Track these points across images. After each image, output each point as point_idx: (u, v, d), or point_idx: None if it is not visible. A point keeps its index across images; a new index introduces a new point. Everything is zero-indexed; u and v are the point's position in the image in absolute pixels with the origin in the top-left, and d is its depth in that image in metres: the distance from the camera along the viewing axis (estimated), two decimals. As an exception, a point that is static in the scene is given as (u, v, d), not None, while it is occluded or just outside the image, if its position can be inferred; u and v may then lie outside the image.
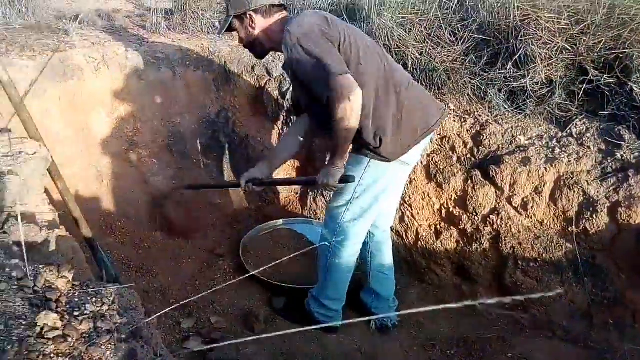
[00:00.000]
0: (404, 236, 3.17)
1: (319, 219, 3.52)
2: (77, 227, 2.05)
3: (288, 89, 3.40)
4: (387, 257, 2.71)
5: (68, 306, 1.13)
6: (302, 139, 2.58)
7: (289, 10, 2.34)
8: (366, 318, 2.69)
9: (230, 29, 2.30)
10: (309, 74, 1.98)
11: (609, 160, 2.62)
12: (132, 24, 3.94)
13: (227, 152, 3.62)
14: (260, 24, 2.20)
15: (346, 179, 2.21)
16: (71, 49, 3.10)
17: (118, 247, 2.89)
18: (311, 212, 3.59)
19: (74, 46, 3.15)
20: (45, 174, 1.85)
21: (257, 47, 2.31)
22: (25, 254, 1.33)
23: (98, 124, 3.09)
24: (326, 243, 2.46)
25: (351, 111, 1.94)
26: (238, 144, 3.63)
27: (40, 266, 1.22)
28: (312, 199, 3.58)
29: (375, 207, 2.36)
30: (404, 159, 2.23)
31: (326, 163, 2.27)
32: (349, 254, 2.48)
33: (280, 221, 3.42)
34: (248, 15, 2.19)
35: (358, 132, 2.09)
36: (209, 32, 3.95)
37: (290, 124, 2.66)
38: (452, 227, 3.01)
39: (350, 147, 2.23)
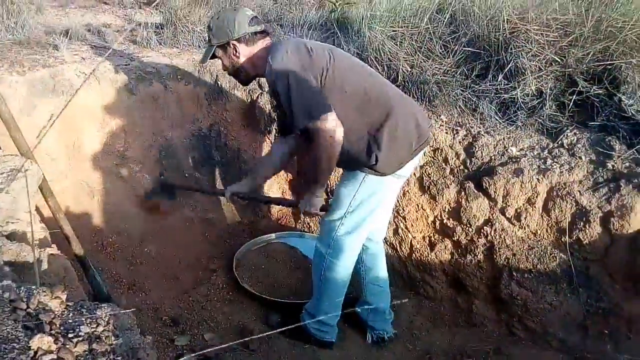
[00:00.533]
0: (398, 248, 3.17)
1: (312, 232, 3.50)
2: (69, 245, 2.02)
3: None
4: (381, 269, 2.70)
5: (62, 328, 1.10)
6: (283, 160, 2.65)
7: (272, 34, 2.35)
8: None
9: (214, 56, 2.30)
10: (292, 108, 1.98)
11: (601, 170, 2.63)
12: (122, 38, 3.93)
13: (219, 165, 3.60)
14: (244, 52, 2.21)
15: (326, 207, 2.33)
16: (61, 64, 3.08)
17: (109, 263, 2.86)
18: (304, 226, 3.58)
19: (64, 61, 3.13)
20: (37, 191, 1.82)
21: (242, 75, 2.33)
22: (17, 275, 1.31)
23: (89, 139, 3.06)
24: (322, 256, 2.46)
25: (332, 148, 1.98)
26: (230, 158, 3.61)
27: (33, 287, 1.20)
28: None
29: (370, 220, 2.36)
30: (399, 172, 2.23)
31: (307, 191, 2.30)
32: (344, 268, 2.46)
33: (273, 235, 3.40)
34: (231, 45, 2.19)
35: (352, 154, 2.12)
36: (199, 46, 3.95)
37: (274, 142, 2.71)
38: (446, 239, 3.01)
39: (344, 167, 2.29)
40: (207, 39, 2.31)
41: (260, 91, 3.50)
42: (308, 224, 3.55)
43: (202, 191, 3.37)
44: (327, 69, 2.04)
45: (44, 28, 3.75)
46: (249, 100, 3.53)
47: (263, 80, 3.47)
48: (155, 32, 3.97)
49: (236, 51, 2.19)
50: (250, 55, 2.21)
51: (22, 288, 1.18)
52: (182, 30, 4.03)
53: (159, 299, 2.74)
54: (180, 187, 3.31)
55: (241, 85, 3.44)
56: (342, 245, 2.39)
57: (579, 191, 2.62)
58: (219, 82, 3.51)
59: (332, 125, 1.94)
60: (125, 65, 3.31)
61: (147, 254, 3.03)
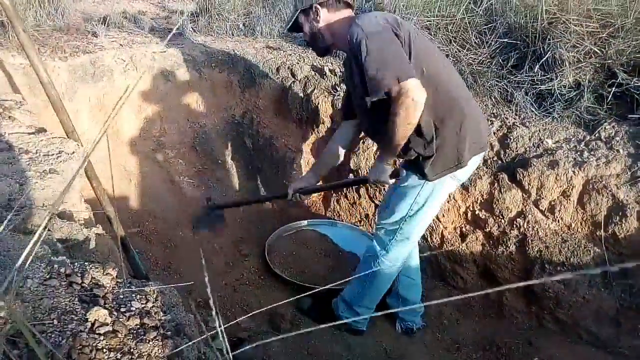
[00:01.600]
0: (429, 238, 3.17)
1: (342, 220, 3.53)
2: (111, 226, 2.09)
3: (312, 90, 3.41)
4: (414, 262, 2.70)
5: (115, 302, 1.15)
6: (346, 147, 2.61)
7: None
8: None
9: (298, 27, 2.26)
10: (380, 67, 1.90)
11: (639, 164, 2.59)
12: (157, 25, 3.99)
13: (251, 152, 3.65)
14: (325, 17, 2.16)
15: (397, 173, 2.24)
16: (100, 50, 3.15)
17: (146, 245, 2.93)
18: (334, 214, 3.60)
19: (103, 47, 3.21)
20: (82, 173, 1.88)
21: (319, 42, 2.25)
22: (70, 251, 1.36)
23: (126, 124, 3.14)
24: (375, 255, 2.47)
25: (414, 112, 1.91)
26: (262, 145, 3.66)
27: (86, 263, 1.25)
28: (335, 200, 3.59)
29: (426, 224, 2.39)
30: (456, 173, 2.20)
31: (377, 160, 2.28)
32: (394, 269, 2.49)
33: (305, 222, 3.43)
34: (314, 8, 2.14)
35: (414, 141, 2.09)
36: (233, 34, 3.99)
37: (337, 130, 2.64)
38: (477, 230, 3.00)
39: (402, 160, 2.26)
40: (294, 4, 2.27)
41: (293, 79, 3.52)
42: (338, 212, 3.57)
43: (257, 201, 3.36)
44: (411, 44, 1.99)
45: (83, 15, 3.85)
46: (281, 89, 3.56)
47: (296, 68, 3.51)
48: (190, 19, 4.03)
49: (317, 15, 2.14)
50: (331, 22, 2.17)
51: (76, 264, 1.24)
52: (216, 19, 4.07)
53: (192, 280, 2.81)
54: (232, 204, 3.29)
55: (273, 73, 3.48)
56: (398, 249, 2.41)
57: (616, 185, 2.57)
58: (252, 70, 3.54)
59: (419, 89, 1.88)
60: (162, 52, 3.36)
61: (182, 238, 3.10)
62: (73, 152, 1.80)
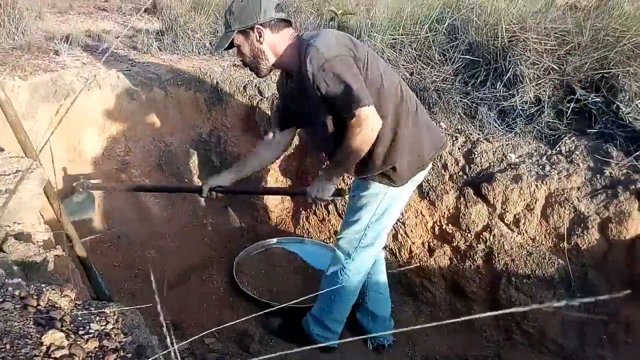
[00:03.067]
0: (398, 254, 3.18)
1: (312, 237, 3.51)
2: (71, 247, 2.02)
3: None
4: (382, 276, 2.70)
5: (72, 325, 1.11)
6: (275, 157, 2.63)
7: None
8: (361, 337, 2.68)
9: (231, 45, 2.11)
10: (336, 97, 1.91)
11: (598, 177, 2.66)
12: (122, 44, 3.94)
13: (218, 170, 3.61)
14: (269, 38, 2.04)
15: (339, 193, 2.26)
16: (62, 69, 3.09)
17: (109, 266, 2.85)
18: (303, 231, 3.59)
19: (65, 66, 3.15)
20: (41, 193, 1.82)
21: (262, 65, 2.13)
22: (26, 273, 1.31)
23: (89, 143, 3.07)
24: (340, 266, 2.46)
25: (368, 141, 1.96)
26: (229, 163, 3.61)
27: (43, 285, 1.21)
28: (304, 218, 3.57)
29: (388, 229, 2.42)
30: (415, 178, 2.27)
31: (321, 176, 2.29)
32: (360, 277, 2.48)
33: (273, 240, 3.40)
34: (256, 30, 2.01)
35: (372, 158, 2.12)
36: (199, 53, 3.97)
37: (266, 135, 2.52)
38: (445, 245, 3.02)
39: (357, 171, 2.28)
40: (225, 23, 2.11)
41: (260, 97, 3.52)
42: (307, 229, 3.56)
43: (176, 190, 3.18)
44: (368, 61, 2.02)
45: (45, 34, 3.77)
46: (249, 106, 3.55)
47: (263, 86, 3.50)
48: (155, 38, 3.99)
49: (261, 36, 2.02)
50: (274, 43, 2.06)
51: (32, 286, 1.19)
52: (182, 37, 4.05)
53: (157, 303, 2.74)
54: (150, 189, 3.15)
55: (240, 91, 3.48)
56: (362, 257, 2.40)
57: (577, 197, 2.64)
58: (219, 88, 3.53)
59: (377, 118, 1.92)
60: (126, 71, 3.32)
61: (147, 258, 3.03)
62: (31, 172, 1.74)
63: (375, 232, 2.34)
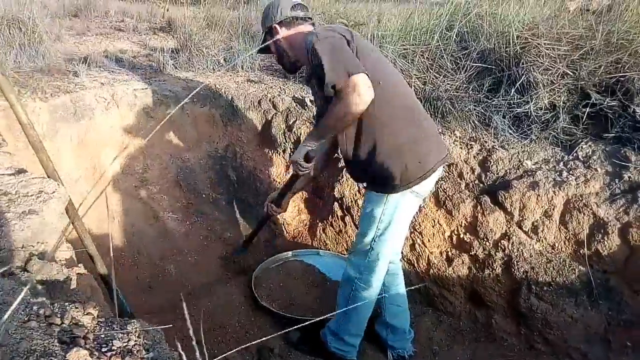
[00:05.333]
0: (415, 264, 3.17)
1: (328, 249, 3.52)
2: (93, 264, 2.06)
3: (294, 121, 3.45)
4: (400, 288, 2.68)
5: (96, 342, 1.14)
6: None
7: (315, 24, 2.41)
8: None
9: (268, 49, 2.41)
10: (331, 65, 1.94)
11: (617, 182, 2.63)
12: (139, 63, 4.02)
13: (235, 184, 3.65)
14: (284, 34, 2.29)
15: (308, 158, 2.26)
16: (82, 90, 3.16)
17: (129, 284, 2.89)
18: (320, 243, 3.60)
19: (84, 87, 3.22)
20: (63, 213, 1.87)
21: (284, 59, 2.39)
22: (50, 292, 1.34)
23: (108, 162, 3.13)
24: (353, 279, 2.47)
25: (355, 106, 1.94)
26: (246, 177, 3.66)
27: (66, 303, 1.24)
28: (321, 230, 3.58)
29: (397, 241, 2.41)
30: (417, 189, 2.23)
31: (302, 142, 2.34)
32: (373, 291, 2.46)
33: (290, 253, 3.41)
34: (274, 28, 2.29)
35: (372, 160, 2.15)
36: (214, 69, 4.03)
37: None
38: (463, 254, 3.01)
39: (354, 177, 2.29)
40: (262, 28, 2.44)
41: (275, 111, 3.55)
42: (324, 241, 3.56)
43: (261, 224, 3.16)
44: (364, 54, 2.07)
45: (64, 56, 3.86)
46: (264, 121, 3.59)
47: (277, 100, 3.54)
48: (170, 56, 4.07)
49: (278, 34, 2.28)
50: (288, 37, 2.30)
51: (56, 304, 1.22)
52: (196, 54, 4.12)
53: (177, 319, 2.76)
54: (252, 237, 3.23)
55: (255, 106, 3.52)
56: (373, 269, 2.40)
57: (596, 203, 2.61)
58: (234, 104, 3.57)
59: (367, 85, 1.91)
60: (143, 89, 3.38)
61: (167, 274, 3.07)
62: (53, 192, 1.79)
63: (382, 245, 2.34)
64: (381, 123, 2.10)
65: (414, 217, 2.92)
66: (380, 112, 2.08)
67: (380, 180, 2.21)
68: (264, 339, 1.43)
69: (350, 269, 2.48)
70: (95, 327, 1.21)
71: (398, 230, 2.34)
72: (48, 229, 1.68)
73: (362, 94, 1.90)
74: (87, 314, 1.23)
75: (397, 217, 2.27)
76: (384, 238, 2.32)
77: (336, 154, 2.71)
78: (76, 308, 1.22)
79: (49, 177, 1.92)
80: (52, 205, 1.71)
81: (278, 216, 3.19)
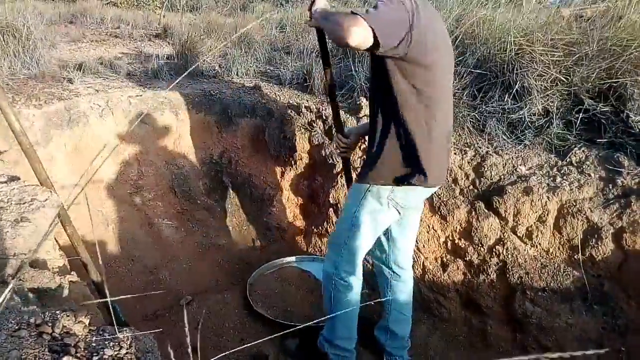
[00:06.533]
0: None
1: (324, 256, 3.51)
2: (86, 272, 2.05)
3: (289, 128, 3.46)
4: (405, 296, 2.64)
5: (87, 351, 1.13)
6: None
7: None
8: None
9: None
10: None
11: (610, 187, 2.64)
12: (134, 70, 4.02)
13: (230, 191, 3.65)
14: None
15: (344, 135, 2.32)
16: (76, 97, 3.16)
17: (123, 291, 2.88)
18: (316, 249, 3.59)
19: (79, 94, 3.22)
20: (56, 220, 1.86)
21: None
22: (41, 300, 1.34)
23: (103, 168, 3.12)
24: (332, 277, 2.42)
25: (339, 33, 1.74)
26: (241, 183, 3.66)
27: (57, 312, 1.23)
28: (316, 236, 3.58)
29: (369, 241, 2.32)
30: (397, 199, 2.16)
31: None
32: (354, 290, 2.42)
33: (286, 259, 3.41)
34: None
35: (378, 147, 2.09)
36: (209, 76, 4.04)
37: None
38: (458, 259, 3.01)
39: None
40: None
41: (269, 118, 3.56)
42: (320, 247, 3.56)
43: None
44: (424, 35, 1.82)
45: (59, 62, 3.86)
46: (258, 127, 3.59)
47: (272, 107, 3.55)
48: (166, 63, 4.07)
49: None
50: None
51: (47, 313, 1.21)
52: (192, 61, 4.12)
53: (171, 327, 2.75)
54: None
55: (250, 112, 3.53)
56: (347, 265, 2.36)
57: (590, 208, 2.62)
58: (229, 110, 3.58)
59: (361, 30, 1.68)
60: (138, 96, 3.38)
61: (161, 281, 3.06)
62: (46, 200, 1.78)
63: (355, 240, 2.29)
64: (405, 127, 2.00)
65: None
66: (410, 118, 1.98)
67: (368, 164, 2.15)
68: (257, 341, 1.43)
69: (327, 264, 2.45)
70: (87, 335, 1.20)
71: (370, 229, 2.27)
72: (40, 237, 1.67)
73: (350, 32, 1.69)
74: (78, 322, 1.22)
75: (372, 216, 2.23)
76: (358, 234, 2.27)
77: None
78: (67, 316, 1.22)
79: (42, 184, 1.91)
80: (45, 213, 1.70)
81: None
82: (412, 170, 2.06)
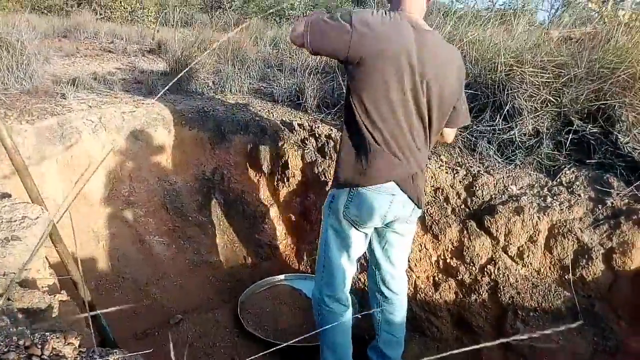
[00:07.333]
0: (402, 289, 3.16)
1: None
2: (77, 290, 2.04)
3: (282, 145, 3.47)
4: (396, 318, 2.59)
5: (76, 374, 1.12)
6: None
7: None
8: None
9: None
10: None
11: (600, 208, 2.67)
12: (127, 86, 4.03)
13: (222, 208, 3.64)
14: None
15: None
16: (69, 112, 3.16)
17: (114, 311, 2.85)
18: (308, 267, 3.58)
19: (72, 109, 3.21)
20: (47, 238, 1.85)
21: None
22: (30, 321, 1.33)
23: (95, 184, 3.11)
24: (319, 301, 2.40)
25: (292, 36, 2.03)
26: (233, 200, 3.65)
27: (47, 333, 1.22)
28: (308, 253, 3.58)
29: (343, 257, 2.28)
30: (353, 217, 2.15)
31: None
32: (337, 314, 2.36)
33: (277, 278, 3.40)
34: None
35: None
36: (203, 92, 4.05)
37: None
38: (450, 278, 3.01)
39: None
40: None
41: (262, 135, 3.57)
42: (312, 265, 3.55)
43: None
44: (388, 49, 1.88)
45: (52, 77, 3.86)
46: (251, 144, 3.60)
47: (265, 123, 3.57)
48: (159, 79, 4.08)
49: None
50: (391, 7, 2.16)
51: (37, 335, 1.20)
52: (186, 78, 4.14)
53: (161, 347, 2.72)
54: None
55: (243, 129, 3.53)
56: (328, 287, 2.34)
57: (580, 228, 2.64)
58: (222, 127, 3.59)
59: (300, 29, 1.95)
60: (131, 112, 3.39)
61: (152, 298, 3.03)
62: (37, 218, 1.77)
63: (330, 261, 2.28)
64: (352, 137, 2.08)
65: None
66: (350, 130, 2.07)
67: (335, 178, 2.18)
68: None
69: (314, 287, 2.43)
70: (77, 357, 1.19)
71: (340, 248, 2.26)
72: (31, 256, 1.66)
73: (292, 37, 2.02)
74: (68, 344, 1.21)
75: (337, 234, 2.23)
76: (330, 254, 2.27)
77: None
78: (57, 338, 1.20)
79: (33, 202, 1.90)
80: (36, 231, 1.69)
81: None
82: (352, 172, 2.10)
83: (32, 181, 1.86)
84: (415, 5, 2.03)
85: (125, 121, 3.29)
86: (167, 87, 1.29)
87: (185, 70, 3.96)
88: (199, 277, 3.33)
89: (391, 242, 2.40)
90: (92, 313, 2.05)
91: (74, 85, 3.68)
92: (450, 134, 2.43)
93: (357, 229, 2.21)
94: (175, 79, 1.35)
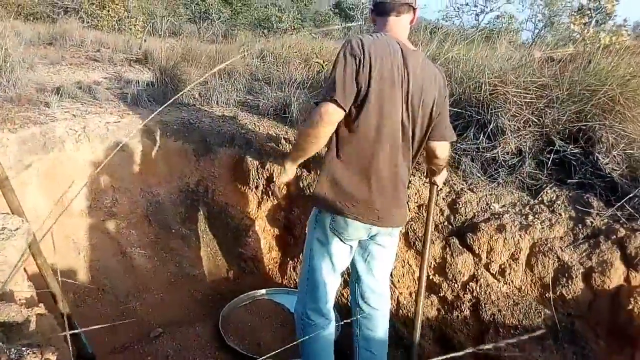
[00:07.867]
0: (385, 304, 3.16)
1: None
2: (55, 303, 2.01)
3: (268, 158, 3.47)
4: (376, 333, 2.56)
5: (53, 391, 1.10)
6: None
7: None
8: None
9: None
10: (328, 80, 2.01)
11: (580, 227, 2.70)
12: (112, 96, 4.01)
13: (206, 220, 3.62)
14: (375, 21, 2.21)
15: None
16: (52, 122, 3.13)
17: (92, 321, 2.81)
18: (291, 281, 3.57)
19: (55, 118, 3.19)
20: (26, 250, 1.82)
21: None
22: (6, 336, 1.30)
23: (77, 196, 3.08)
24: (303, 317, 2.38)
25: (312, 132, 2.01)
26: (217, 213, 3.64)
27: (23, 348, 1.20)
28: (291, 268, 3.56)
29: (327, 270, 2.29)
30: (341, 229, 2.17)
31: None
32: (320, 328, 2.34)
33: (260, 292, 3.37)
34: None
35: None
36: (189, 104, 4.05)
37: None
38: (432, 295, 3.02)
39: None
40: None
41: (248, 148, 3.57)
42: (295, 280, 3.54)
43: None
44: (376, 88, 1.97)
45: (36, 85, 3.83)
46: (237, 157, 3.60)
47: (251, 136, 3.57)
48: (145, 89, 4.07)
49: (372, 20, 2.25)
50: (376, 27, 2.21)
51: (13, 350, 1.18)
52: (172, 88, 4.12)
53: (142, 359, 2.69)
54: None
55: (229, 141, 3.53)
56: (311, 301, 2.33)
57: (561, 247, 2.67)
58: (207, 139, 3.58)
59: (329, 114, 1.93)
60: (116, 122, 3.37)
61: (132, 312, 2.99)
62: (17, 229, 1.75)
63: (316, 277, 2.28)
64: (338, 161, 2.11)
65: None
66: (343, 151, 2.09)
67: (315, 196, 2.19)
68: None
69: (297, 301, 2.43)
70: (53, 374, 1.17)
71: (324, 261, 2.27)
72: (9, 267, 1.63)
73: (320, 122, 1.97)
74: (45, 359, 1.19)
75: (322, 246, 2.25)
76: (314, 267, 2.28)
77: None
78: (33, 353, 1.18)
79: (13, 212, 1.88)
80: (15, 243, 1.67)
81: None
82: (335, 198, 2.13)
83: (12, 191, 1.84)
84: (398, 27, 2.13)
85: (109, 131, 3.27)
86: (165, 105, 1.29)
87: (184, 92, 3.96)
88: (181, 290, 3.29)
89: (374, 254, 2.42)
90: (71, 332, 2.02)
91: (58, 93, 3.65)
92: (443, 148, 2.45)
93: (343, 242, 2.23)
94: (172, 99, 1.35)
